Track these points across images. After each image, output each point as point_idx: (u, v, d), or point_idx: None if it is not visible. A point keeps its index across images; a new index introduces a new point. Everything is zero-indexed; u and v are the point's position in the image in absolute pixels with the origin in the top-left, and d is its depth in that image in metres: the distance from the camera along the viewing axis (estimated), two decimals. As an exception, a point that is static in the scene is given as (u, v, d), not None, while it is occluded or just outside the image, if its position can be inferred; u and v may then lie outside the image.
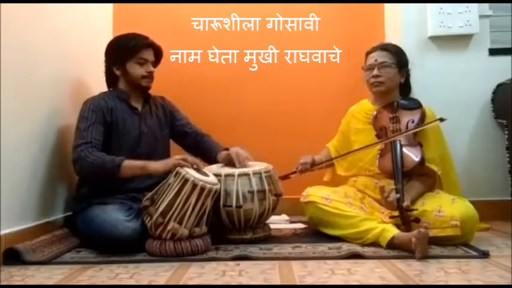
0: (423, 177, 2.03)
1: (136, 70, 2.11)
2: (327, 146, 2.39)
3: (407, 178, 2.00)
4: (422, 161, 1.99)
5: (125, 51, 2.10)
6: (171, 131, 2.28)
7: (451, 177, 2.12)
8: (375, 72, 2.14)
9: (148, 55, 2.14)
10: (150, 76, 2.14)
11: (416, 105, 2.13)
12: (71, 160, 1.97)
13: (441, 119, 2.01)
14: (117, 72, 2.14)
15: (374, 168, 2.10)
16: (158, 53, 2.20)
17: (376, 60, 2.16)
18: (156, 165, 1.91)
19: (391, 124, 2.10)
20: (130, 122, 2.11)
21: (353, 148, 2.19)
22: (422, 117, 2.09)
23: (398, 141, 2.01)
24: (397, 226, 1.84)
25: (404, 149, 2.00)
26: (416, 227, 1.77)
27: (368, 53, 2.23)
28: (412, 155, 2.00)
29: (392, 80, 2.16)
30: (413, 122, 2.08)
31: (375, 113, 2.18)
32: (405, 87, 2.25)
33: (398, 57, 2.18)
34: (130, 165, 1.90)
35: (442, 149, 2.14)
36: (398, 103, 2.16)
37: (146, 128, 2.15)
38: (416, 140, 2.06)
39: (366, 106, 2.28)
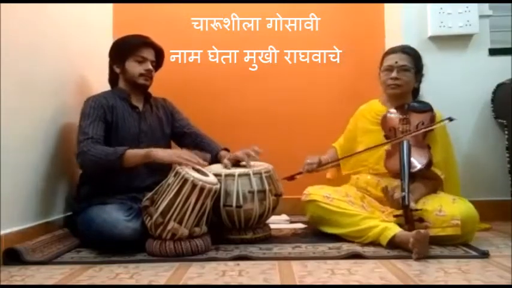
0: (427, 180, 2.03)
1: (134, 68, 2.12)
2: (333, 146, 2.38)
3: (412, 180, 1.99)
4: (429, 163, 1.99)
5: (124, 49, 2.13)
6: (171, 132, 2.28)
7: (452, 178, 2.12)
8: (394, 74, 2.13)
9: (148, 54, 2.15)
10: (147, 74, 2.14)
11: (427, 107, 2.13)
12: (75, 156, 1.98)
13: (450, 119, 2.01)
14: (117, 70, 2.16)
15: (378, 167, 2.10)
16: (159, 54, 2.21)
17: (396, 62, 2.14)
18: (161, 154, 1.91)
19: (401, 125, 2.10)
20: (131, 120, 2.11)
21: (358, 148, 2.19)
22: (433, 120, 2.09)
23: (407, 142, 2.01)
24: (401, 225, 1.84)
25: (413, 150, 2.00)
26: (419, 227, 1.77)
27: (387, 54, 2.22)
28: (421, 156, 2.00)
29: (409, 84, 2.17)
30: (423, 124, 2.08)
31: (385, 113, 2.18)
32: (416, 91, 2.26)
33: (417, 62, 2.18)
34: (133, 154, 1.91)
35: (448, 151, 2.14)
36: (409, 105, 2.16)
37: (146, 127, 2.15)
38: (425, 142, 2.06)
39: (376, 107, 2.27)
